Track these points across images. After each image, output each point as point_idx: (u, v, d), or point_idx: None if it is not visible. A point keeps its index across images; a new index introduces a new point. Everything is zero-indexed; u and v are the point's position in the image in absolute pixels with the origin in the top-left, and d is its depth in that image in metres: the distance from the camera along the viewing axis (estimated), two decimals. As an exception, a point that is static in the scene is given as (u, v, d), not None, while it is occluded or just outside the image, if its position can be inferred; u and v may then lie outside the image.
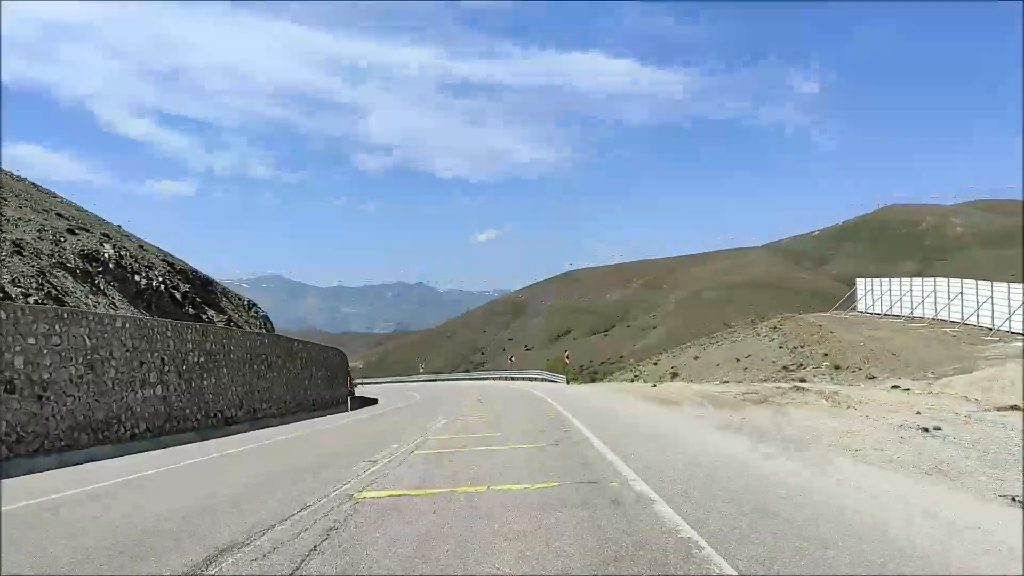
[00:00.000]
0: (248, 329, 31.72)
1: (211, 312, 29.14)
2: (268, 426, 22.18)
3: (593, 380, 62.88)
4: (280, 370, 26.38)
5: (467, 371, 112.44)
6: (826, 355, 31.41)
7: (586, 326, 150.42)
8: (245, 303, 38.37)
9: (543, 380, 57.78)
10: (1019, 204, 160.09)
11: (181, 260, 33.09)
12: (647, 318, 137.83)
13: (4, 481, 10.26)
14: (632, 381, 45.59)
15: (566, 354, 63.07)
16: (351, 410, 32.62)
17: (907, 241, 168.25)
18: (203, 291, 30.73)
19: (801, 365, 31.06)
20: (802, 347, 34.69)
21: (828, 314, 47.19)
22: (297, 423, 23.63)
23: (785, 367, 31.48)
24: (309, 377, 30.45)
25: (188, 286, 28.99)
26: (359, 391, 63.80)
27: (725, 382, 31.79)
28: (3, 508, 7.76)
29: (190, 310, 26.88)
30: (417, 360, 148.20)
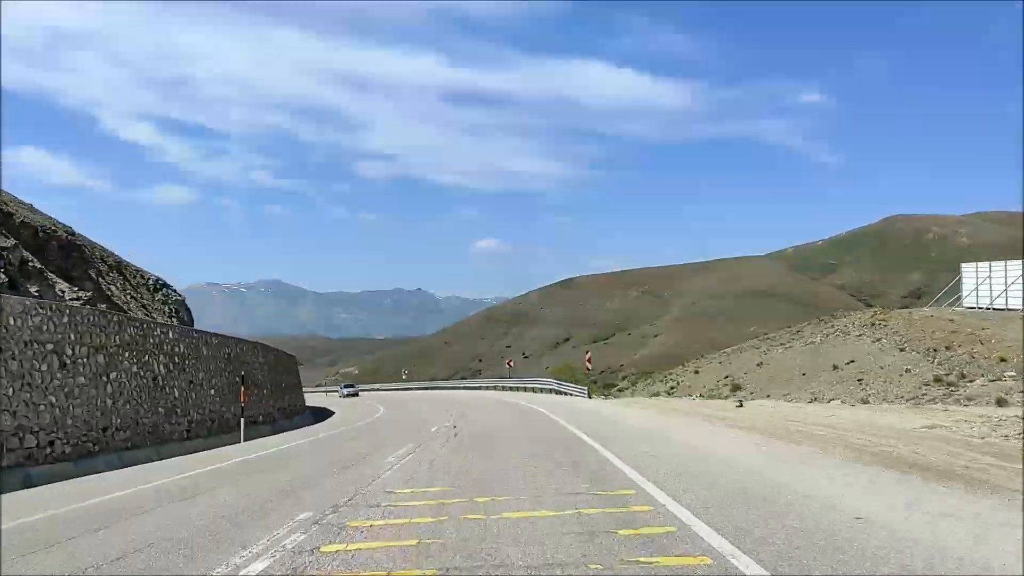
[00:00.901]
0: (143, 317, 24.27)
1: (63, 285, 21.82)
2: (93, 471, 13.12)
3: (607, 393, 49.19)
4: (173, 376, 18.16)
5: (463, 378, 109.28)
6: (1003, 360, 23.21)
7: (586, 334, 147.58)
8: (150, 283, 31.54)
9: (551, 391, 45.61)
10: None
11: (50, 218, 26.34)
12: (648, 327, 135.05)
13: None
14: (670, 393, 37.17)
15: (587, 357, 46.41)
16: (273, 434, 23.06)
17: (913, 252, 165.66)
18: (62, 256, 23.77)
19: (964, 376, 22.67)
20: (947, 349, 26.14)
21: (928, 309, 38.28)
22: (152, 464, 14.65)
23: (938, 378, 22.91)
24: (224, 385, 21.83)
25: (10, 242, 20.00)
26: (324, 400, 58.65)
27: (835, 400, 23.66)
28: None
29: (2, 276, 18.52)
30: (413, 367, 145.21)
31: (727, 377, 35.76)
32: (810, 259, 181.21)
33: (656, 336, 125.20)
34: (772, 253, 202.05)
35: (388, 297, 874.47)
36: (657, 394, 39.36)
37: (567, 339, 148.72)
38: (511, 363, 69.11)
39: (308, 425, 27.82)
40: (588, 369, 45.72)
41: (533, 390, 50.37)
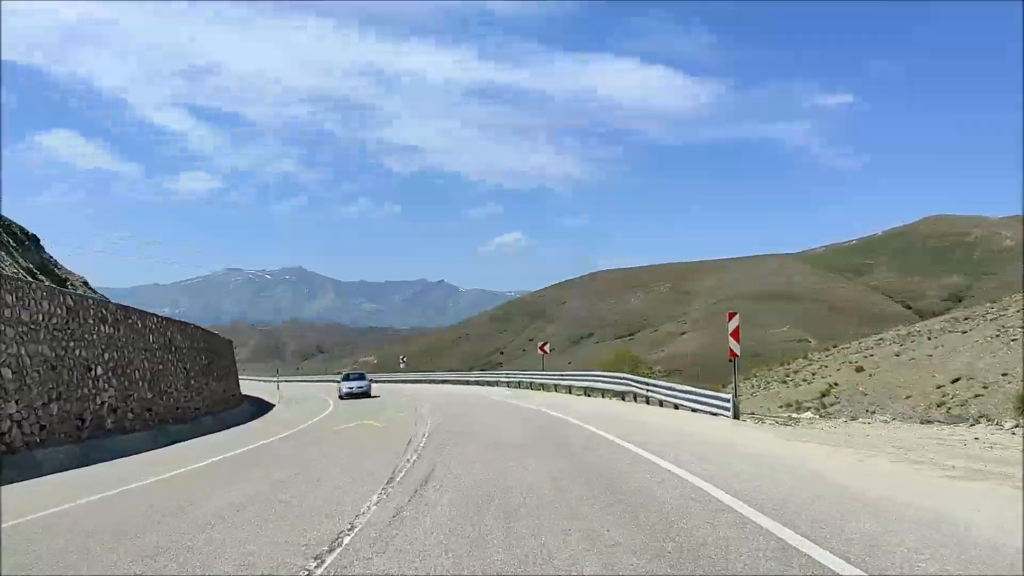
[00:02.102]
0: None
1: None
2: None
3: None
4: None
5: (483, 370, 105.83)
6: None
7: (609, 330, 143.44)
8: (24, 236, 27.02)
9: (620, 396, 26.68)
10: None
11: None
12: (674, 324, 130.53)
13: None
14: (794, 411, 23.28)
15: (732, 318, 19.46)
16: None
17: (953, 253, 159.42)
18: None
19: None
20: None
21: None
22: None
23: None
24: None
25: None
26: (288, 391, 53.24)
27: None
28: None
29: None
30: (432, 357, 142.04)
31: (862, 385, 26.33)
32: (842, 259, 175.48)
33: (683, 334, 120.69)
34: (802, 252, 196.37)
35: (410, 288, 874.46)
36: (798, 409, 24.91)
37: (589, 335, 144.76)
38: (546, 349, 43.68)
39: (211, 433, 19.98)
40: (732, 359, 33.81)
41: (586, 391, 30.80)
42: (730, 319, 18.91)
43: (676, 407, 20.90)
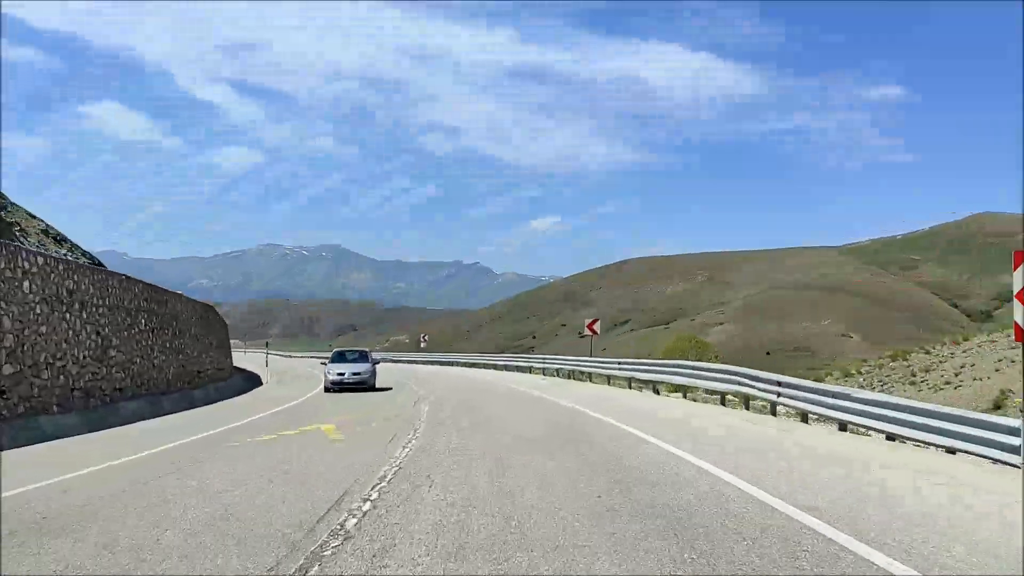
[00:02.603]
0: None
1: None
2: None
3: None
4: None
5: (517, 354, 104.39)
6: None
7: (645, 318, 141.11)
8: None
9: (726, 391, 17.69)
10: None
11: None
12: (712, 314, 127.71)
13: None
14: None
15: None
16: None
17: (1002, 252, 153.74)
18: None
19: None
20: None
21: None
22: None
23: None
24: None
25: None
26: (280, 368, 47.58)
27: None
28: None
29: None
30: (460, 339, 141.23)
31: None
32: (888, 254, 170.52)
33: (720, 324, 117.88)
34: (846, 245, 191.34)
35: (446, 269, 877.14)
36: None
37: (625, 321, 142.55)
38: (596, 329, 32.29)
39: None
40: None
41: (653, 387, 22.59)
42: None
43: (850, 430, 12.24)
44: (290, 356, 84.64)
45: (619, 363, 27.16)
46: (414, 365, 51.54)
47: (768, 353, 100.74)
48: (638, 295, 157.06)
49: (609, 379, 26.49)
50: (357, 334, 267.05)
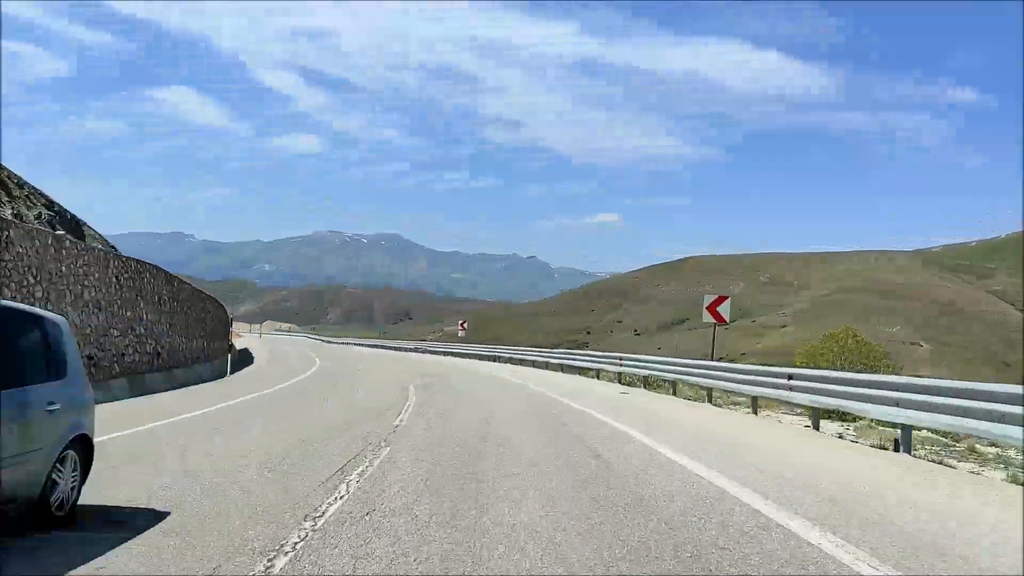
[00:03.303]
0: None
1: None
2: None
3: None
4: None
5: (573, 350, 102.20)
6: None
7: (704, 317, 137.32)
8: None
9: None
10: None
11: None
12: (775, 315, 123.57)
13: None
14: None
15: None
16: None
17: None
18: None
19: None
20: None
21: None
22: None
23: None
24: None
25: None
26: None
27: None
28: None
29: None
30: (514, 332, 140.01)
31: None
32: (960, 261, 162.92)
33: (783, 327, 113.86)
34: (916, 251, 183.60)
35: (502, 262, 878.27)
36: None
37: (682, 320, 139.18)
38: (721, 314, 22.39)
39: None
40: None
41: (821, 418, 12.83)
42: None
43: None
44: (329, 342, 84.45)
45: (789, 374, 13.70)
46: (450, 357, 45.65)
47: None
48: (697, 294, 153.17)
49: (755, 404, 15.33)
50: (411, 322, 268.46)
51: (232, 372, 28.68)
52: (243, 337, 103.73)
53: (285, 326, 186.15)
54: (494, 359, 41.45)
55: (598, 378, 26.51)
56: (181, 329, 22.74)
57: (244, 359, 37.53)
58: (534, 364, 35.18)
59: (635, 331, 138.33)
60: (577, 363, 30.23)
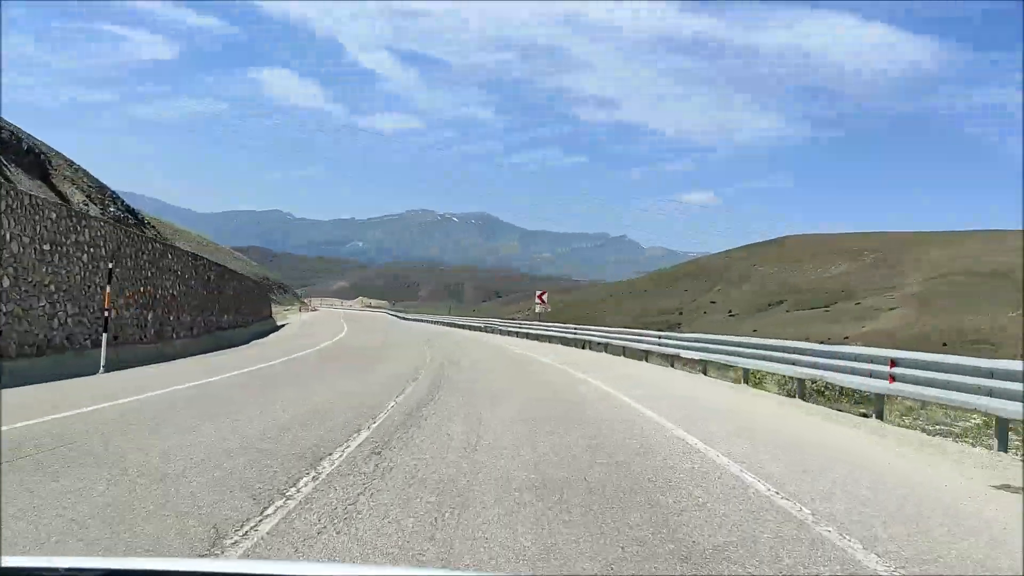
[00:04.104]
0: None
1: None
2: None
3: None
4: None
5: (660, 330, 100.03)
6: None
7: (802, 299, 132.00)
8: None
9: None
10: None
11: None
12: (880, 298, 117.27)
13: None
14: None
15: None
16: None
17: None
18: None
19: None
20: None
21: None
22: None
23: None
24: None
25: None
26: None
27: None
28: None
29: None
30: (601, 312, 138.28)
31: None
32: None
33: (892, 309, 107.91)
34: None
35: (591, 241, 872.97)
36: None
37: (780, 302, 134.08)
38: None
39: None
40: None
41: None
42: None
43: None
44: (404, 318, 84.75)
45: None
46: (521, 339, 39.49)
47: (944, 344, 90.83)
48: (795, 275, 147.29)
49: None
50: (500, 300, 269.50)
51: (248, 342, 29.48)
52: (319, 310, 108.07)
53: (375, 302, 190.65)
54: (583, 342, 31.35)
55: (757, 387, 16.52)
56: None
57: (272, 329, 43.21)
58: (629, 352, 25.33)
59: (730, 311, 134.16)
60: (696, 348, 19.25)
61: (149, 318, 18.15)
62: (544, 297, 45.16)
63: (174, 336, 20.16)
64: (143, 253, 18.02)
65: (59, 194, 25.04)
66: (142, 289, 17.57)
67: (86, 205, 25.62)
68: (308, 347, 25.06)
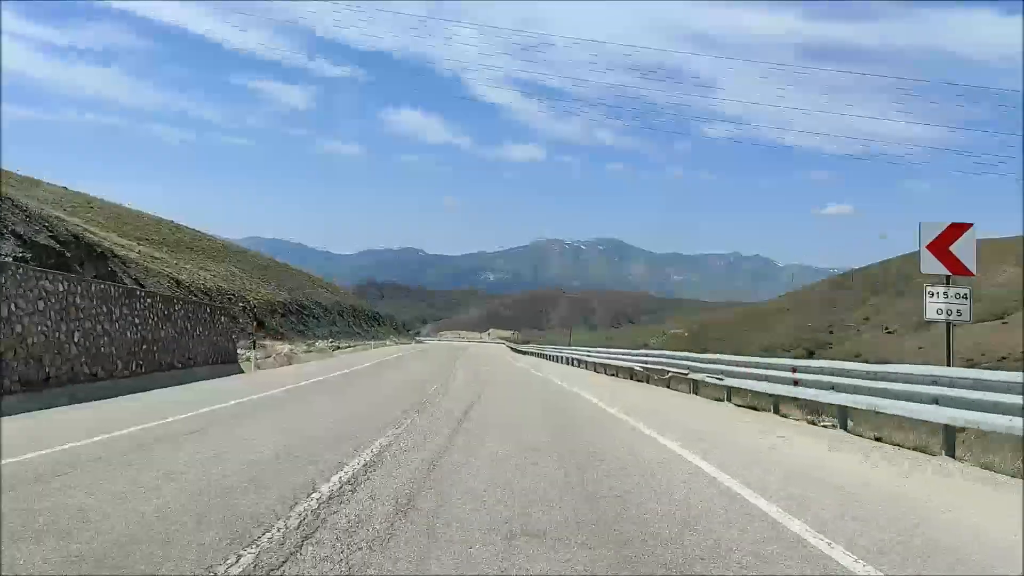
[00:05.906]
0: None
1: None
2: None
3: None
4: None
5: (811, 352, 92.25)
6: None
7: (980, 308, 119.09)
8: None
9: None
10: None
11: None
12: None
13: None
14: None
15: None
16: None
17: None
18: None
19: None
20: None
21: None
22: None
23: None
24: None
25: None
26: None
27: None
28: None
29: None
30: (739, 337, 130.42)
31: None
32: None
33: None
34: None
35: (723, 260, 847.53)
36: None
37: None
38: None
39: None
40: None
41: None
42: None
43: None
44: (517, 349, 76.10)
45: None
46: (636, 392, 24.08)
47: None
48: (964, 284, 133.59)
49: None
50: (633, 326, 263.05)
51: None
52: (424, 343, 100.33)
53: (503, 334, 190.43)
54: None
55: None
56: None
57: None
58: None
59: (886, 328, 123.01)
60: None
61: None
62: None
63: None
64: None
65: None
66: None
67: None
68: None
